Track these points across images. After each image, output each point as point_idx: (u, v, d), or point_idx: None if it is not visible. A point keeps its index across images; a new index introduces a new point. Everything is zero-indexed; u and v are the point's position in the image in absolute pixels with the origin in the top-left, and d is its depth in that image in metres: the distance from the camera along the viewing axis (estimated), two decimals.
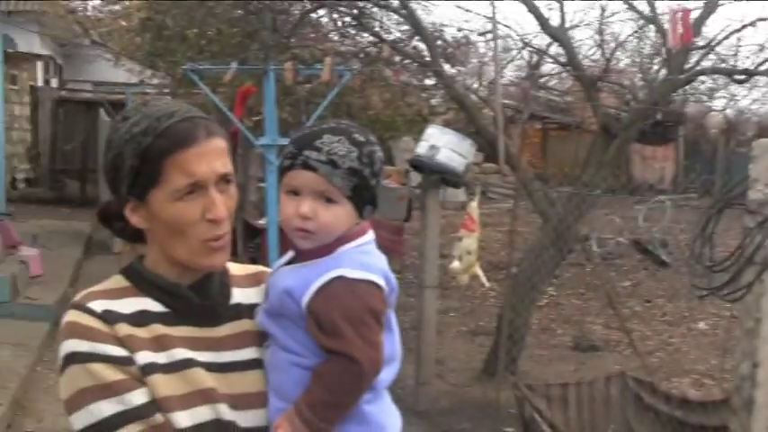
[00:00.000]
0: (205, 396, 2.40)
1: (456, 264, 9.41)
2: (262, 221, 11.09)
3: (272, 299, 2.50)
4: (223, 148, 2.44)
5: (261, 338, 2.56)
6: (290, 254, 2.56)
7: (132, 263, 2.57)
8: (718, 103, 27.42)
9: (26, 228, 16.90)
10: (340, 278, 2.38)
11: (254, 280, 2.71)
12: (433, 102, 16.59)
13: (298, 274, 2.45)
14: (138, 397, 2.33)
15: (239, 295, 2.63)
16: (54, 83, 31.47)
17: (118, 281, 2.53)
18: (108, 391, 2.31)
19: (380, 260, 2.51)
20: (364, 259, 2.44)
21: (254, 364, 2.54)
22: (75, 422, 2.35)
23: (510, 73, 19.49)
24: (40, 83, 28.58)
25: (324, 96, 13.86)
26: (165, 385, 2.36)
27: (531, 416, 8.25)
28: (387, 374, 2.49)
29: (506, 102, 16.30)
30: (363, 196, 2.45)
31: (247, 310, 2.60)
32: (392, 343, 2.52)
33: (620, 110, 12.33)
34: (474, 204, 9.57)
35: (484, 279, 10.02)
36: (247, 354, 2.54)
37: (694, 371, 11.82)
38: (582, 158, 14.55)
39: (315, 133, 2.44)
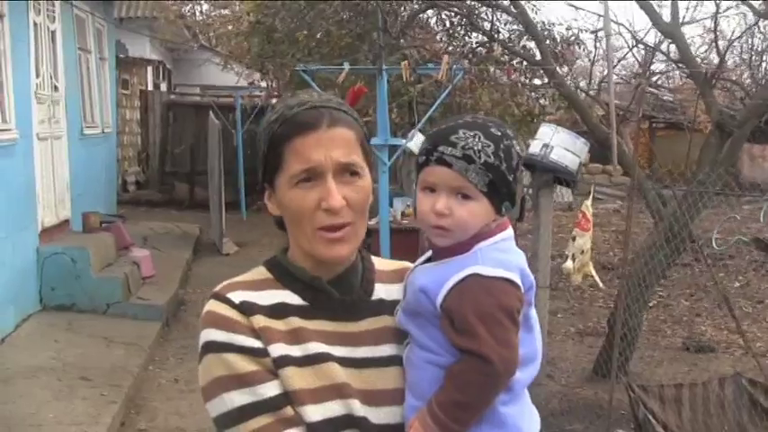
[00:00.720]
0: (338, 391, 2.38)
1: (569, 263, 9.29)
2: (373, 221, 11.07)
3: (408, 297, 2.46)
4: (347, 138, 2.43)
5: (401, 335, 2.52)
6: (428, 252, 2.52)
7: (276, 255, 2.59)
8: None
9: (137, 229, 17.09)
10: (474, 275, 2.34)
11: (398, 276, 2.65)
12: (542, 101, 16.46)
13: (433, 272, 2.42)
14: (269, 389, 2.34)
15: (382, 291, 2.61)
16: (163, 87, 31.91)
17: (260, 272, 2.55)
18: (241, 381, 2.34)
19: (518, 257, 2.45)
20: (501, 256, 2.39)
21: (392, 360, 2.51)
22: (211, 410, 2.39)
23: (619, 72, 19.32)
24: (149, 87, 28.99)
25: (433, 97, 13.95)
26: (298, 378, 2.36)
27: (645, 417, 8.17)
28: (525, 375, 2.44)
29: (616, 101, 16.13)
30: (500, 192, 2.39)
31: (389, 307, 2.57)
32: (531, 342, 2.47)
33: (732, 108, 12.15)
34: (588, 203, 9.45)
35: (597, 279, 9.92)
36: (385, 350, 2.52)
37: None
38: (691, 158, 14.37)
39: (450, 128, 2.40)
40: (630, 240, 9.67)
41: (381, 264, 2.71)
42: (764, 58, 20.13)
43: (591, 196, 9.72)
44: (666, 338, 13.21)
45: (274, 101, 22.81)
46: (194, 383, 10.08)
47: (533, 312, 2.49)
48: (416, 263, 2.56)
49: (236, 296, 2.43)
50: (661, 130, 32.11)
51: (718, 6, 12.90)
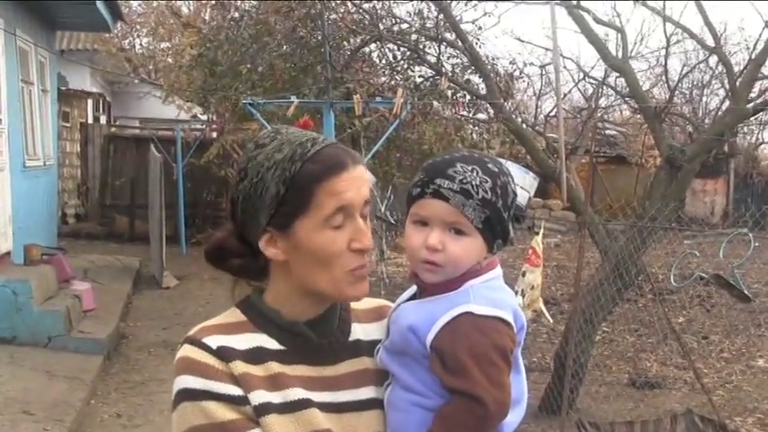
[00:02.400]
0: None
1: (519, 299, 9.26)
2: None
3: (393, 336, 2.38)
4: (366, 175, 2.39)
5: (380, 377, 2.44)
6: (412, 289, 2.45)
7: (250, 297, 2.48)
8: None
9: (77, 262, 16.92)
10: (467, 314, 2.26)
11: (375, 315, 2.60)
12: (485, 135, 16.49)
13: (422, 309, 2.33)
14: None
15: (359, 331, 2.53)
16: (103, 120, 31.73)
17: (234, 314, 2.45)
18: (221, 430, 2.24)
19: (509, 296, 2.39)
20: (493, 295, 2.32)
21: (372, 403, 2.42)
22: None
23: (564, 106, 19.43)
24: (90, 120, 28.76)
25: (376, 131, 13.92)
26: (280, 427, 2.27)
27: None
28: (514, 417, 2.35)
29: (552, 135, 16.20)
30: (495, 229, 2.32)
31: (367, 347, 2.50)
32: (519, 383, 2.39)
33: (677, 143, 12.22)
34: (538, 238, 9.44)
35: (548, 315, 9.91)
36: (365, 393, 2.43)
37: (758, 409, 11.60)
38: (633, 192, 14.45)
39: (447, 161, 2.33)
40: (570, 276, 9.68)
41: (357, 303, 2.59)
42: (705, 92, 20.38)
43: (541, 232, 9.71)
44: (612, 374, 13.21)
45: (215, 134, 22.78)
46: (137, 419, 10.07)
47: (519, 354, 2.40)
48: (399, 300, 2.48)
49: (213, 341, 2.33)
50: (602, 164, 32.35)
51: (668, 40, 12.95)
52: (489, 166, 2.32)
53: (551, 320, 11.34)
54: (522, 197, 9.31)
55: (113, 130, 28.83)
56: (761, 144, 32.56)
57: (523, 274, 9.39)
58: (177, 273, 18.90)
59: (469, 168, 2.29)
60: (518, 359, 2.38)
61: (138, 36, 31.01)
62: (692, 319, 16.79)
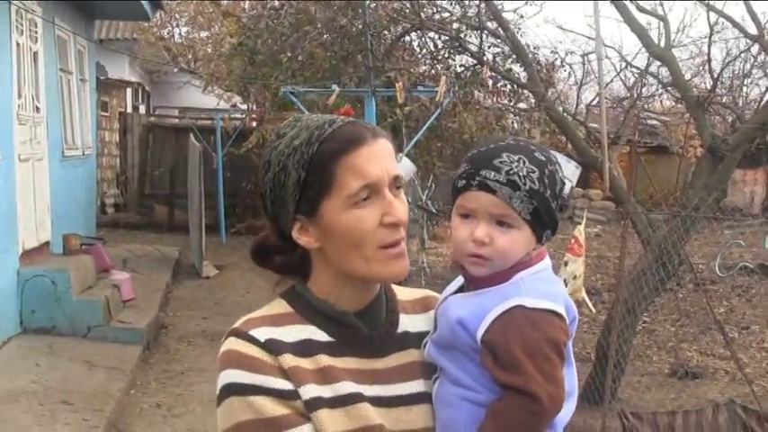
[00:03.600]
0: None
1: None
2: None
3: (442, 329, 2.33)
4: (391, 149, 2.32)
5: (428, 370, 2.39)
6: (459, 280, 2.39)
7: (295, 287, 2.43)
8: None
9: (116, 252, 16.96)
10: (519, 307, 2.20)
11: (421, 305, 2.55)
12: (526, 125, 16.42)
13: (471, 302, 2.28)
14: None
15: (407, 322, 2.47)
16: (142, 109, 31.81)
17: (280, 305, 2.40)
18: (271, 426, 2.19)
19: (561, 287, 2.34)
20: (544, 287, 2.27)
21: (421, 397, 2.37)
22: None
23: (606, 96, 19.36)
24: (129, 109, 28.87)
25: (417, 120, 13.88)
26: (331, 421, 2.21)
27: None
28: (566, 412, 2.29)
29: (593, 125, 16.11)
30: (543, 220, 2.26)
31: (415, 339, 2.44)
32: (571, 377, 2.33)
33: (720, 133, 12.13)
34: (581, 228, 9.38)
35: (590, 304, 9.84)
36: (414, 387, 2.38)
37: None
38: (675, 182, 14.35)
39: (492, 151, 2.26)
40: (611, 266, 9.62)
41: (403, 293, 2.57)
42: (745, 82, 20.22)
43: (584, 221, 9.64)
44: (653, 364, 13.14)
45: (255, 123, 22.76)
46: (177, 409, 10.05)
47: (571, 346, 2.34)
48: (447, 291, 2.42)
49: (261, 333, 2.28)
50: (643, 154, 32.13)
51: (712, 28, 12.83)
52: (536, 154, 2.26)
53: (594, 310, 11.26)
54: (565, 186, 9.20)
55: (152, 119, 28.91)
56: None
57: (565, 264, 9.33)
58: (217, 262, 18.91)
59: (516, 158, 2.23)
60: (569, 351, 2.32)
61: (178, 25, 31.05)
62: (733, 310, 16.69)
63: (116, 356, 11.53)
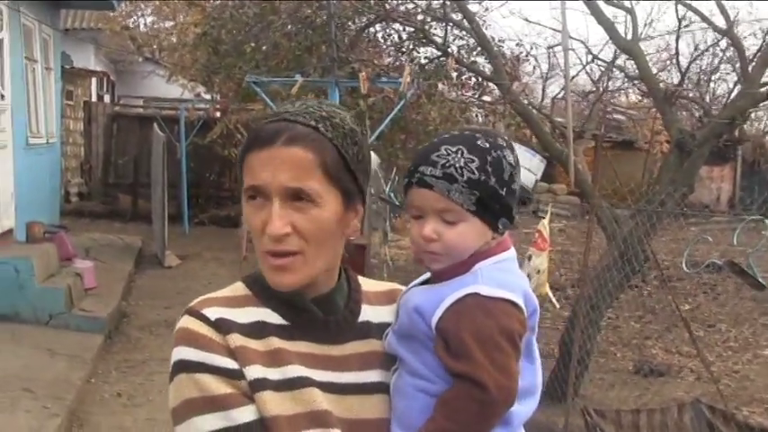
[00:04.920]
0: (317, 419, 2.19)
1: None
2: None
3: (401, 318, 2.28)
4: (301, 159, 2.19)
5: (388, 361, 2.34)
6: (426, 274, 2.35)
7: (256, 270, 2.38)
8: None
9: (79, 240, 16.93)
10: (474, 295, 2.15)
11: (386, 298, 2.49)
12: (491, 118, 16.40)
13: (430, 292, 2.24)
14: (244, 414, 2.16)
15: (369, 313, 2.43)
16: (107, 98, 31.73)
17: (239, 288, 2.38)
18: (213, 404, 2.16)
19: (521, 278, 2.27)
20: (503, 276, 2.21)
21: (378, 387, 2.32)
22: None
23: (572, 89, 19.33)
24: (93, 98, 28.76)
25: (381, 112, 13.81)
26: (275, 404, 2.17)
27: None
28: (525, 408, 2.24)
29: (559, 119, 16.08)
30: (492, 209, 2.20)
31: (376, 330, 2.39)
32: (532, 373, 2.29)
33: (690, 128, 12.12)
34: (545, 222, 9.33)
35: (554, 299, 9.79)
36: (371, 376, 2.33)
37: (765, 400, 11.48)
38: (639, 177, 14.35)
39: (432, 146, 2.24)
40: (575, 261, 9.57)
41: (368, 284, 2.54)
42: (713, 78, 20.24)
43: (548, 215, 9.58)
44: (617, 361, 13.10)
45: (219, 114, 22.70)
46: (137, 398, 10.06)
47: (534, 341, 2.30)
48: (411, 284, 2.39)
49: (212, 312, 2.26)
50: (609, 149, 32.23)
51: (680, 22, 12.79)
52: (478, 143, 2.20)
53: (557, 305, 11.22)
54: (529, 180, 9.17)
55: (117, 108, 28.84)
56: None
57: (529, 258, 9.29)
58: (180, 252, 18.86)
59: (454, 150, 2.19)
60: (532, 347, 2.29)
61: (143, 15, 30.99)
62: (699, 307, 16.70)
63: (78, 345, 11.50)
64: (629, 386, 11.81)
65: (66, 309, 12.39)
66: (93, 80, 29.26)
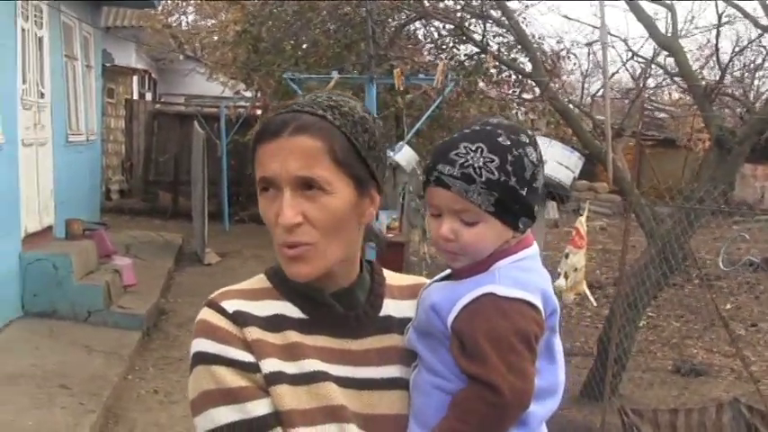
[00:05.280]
0: (333, 414, 2.18)
1: (561, 281, 9.04)
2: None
3: (420, 316, 2.26)
4: (309, 148, 2.18)
5: (409, 356, 2.32)
6: (448, 270, 2.31)
7: (278, 263, 2.36)
8: None
9: (119, 238, 17.03)
10: (489, 295, 2.12)
11: (410, 292, 2.45)
12: (531, 116, 16.33)
13: (448, 289, 2.20)
14: (258, 407, 2.16)
15: (391, 307, 2.40)
16: (148, 96, 31.90)
17: (260, 280, 2.38)
18: (229, 397, 2.17)
19: (541, 278, 2.22)
20: (521, 276, 2.17)
21: (396, 383, 2.30)
22: (197, 424, 2.24)
23: (611, 87, 19.17)
24: (135, 96, 28.93)
25: (420, 109, 13.79)
26: (291, 398, 2.17)
27: None
28: (543, 409, 2.20)
29: (600, 117, 15.98)
30: (511, 209, 2.16)
31: (398, 324, 2.37)
32: (553, 373, 2.24)
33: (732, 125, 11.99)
34: (582, 220, 9.23)
35: (592, 298, 9.71)
36: (390, 371, 2.31)
37: None
38: (682, 175, 14.24)
39: (451, 142, 2.19)
40: (615, 259, 9.48)
41: (394, 278, 2.51)
42: (756, 75, 20.03)
43: (585, 213, 9.49)
44: (656, 360, 13.01)
45: (259, 111, 22.73)
46: (174, 395, 10.04)
47: (557, 340, 2.25)
48: (432, 279, 2.36)
49: (230, 305, 2.26)
50: (650, 147, 31.98)
51: (720, 18, 12.66)
52: (499, 139, 2.15)
53: (595, 303, 11.14)
54: (567, 177, 9.08)
55: (158, 106, 29.00)
56: None
57: (567, 256, 9.19)
58: (219, 250, 18.90)
59: (473, 148, 2.14)
60: (553, 347, 2.24)
61: (185, 13, 31.10)
62: (740, 306, 16.55)
63: (115, 341, 11.54)
64: (669, 385, 11.72)
65: (105, 305, 12.42)
66: (135, 78, 29.44)
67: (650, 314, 14.92)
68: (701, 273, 10.13)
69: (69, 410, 8.92)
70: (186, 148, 23.66)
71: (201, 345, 2.22)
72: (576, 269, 9.06)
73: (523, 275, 2.17)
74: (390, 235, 14.46)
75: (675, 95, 22.36)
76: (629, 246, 11.83)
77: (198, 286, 15.67)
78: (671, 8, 12.03)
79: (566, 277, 9.04)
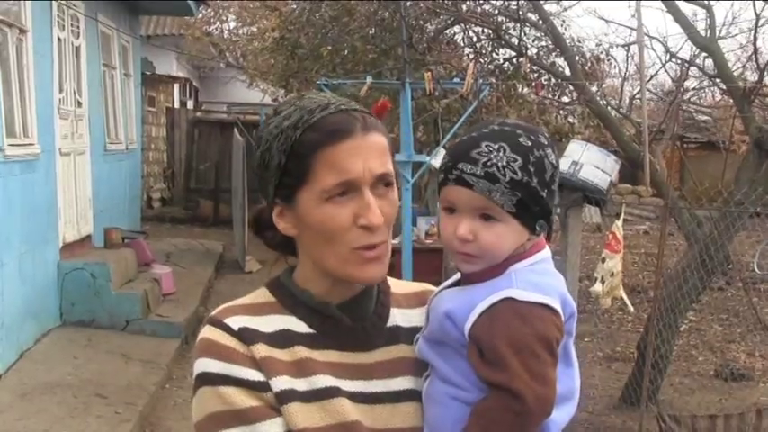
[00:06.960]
0: (347, 430, 2.13)
1: (598, 286, 8.95)
2: (396, 241, 10.72)
3: (432, 324, 2.19)
4: (383, 145, 2.16)
5: (419, 366, 2.26)
6: (455, 275, 2.26)
7: (279, 276, 2.34)
8: None
9: (160, 246, 17.14)
10: (508, 300, 2.06)
11: (417, 300, 2.40)
12: (570, 119, 16.26)
13: (462, 295, 2.15)
14: (271, 427, 2.10)
15: (398, 317, 2.35)
16: (190, 104, 32.03)
17: (262, 294, 2.31)
18: (239, 418, 2.10)
19: (557, 281, 2.17)
20: (538, 279, 2.12)
21: (409, 395, 2.24)
22: None
23: (650, 89, 19.02)
24: (176, 104, 29.08)
25: (459, 114, 13.76)
26: (303, 415, 2.11)
27: None
28: (561, 415, 2.15)
29: (639, 120, 15.90)
30: (532, 210, 2.11)
31: (406, 334, 2.31)
32: (570, 377, 2.20)
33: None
34: (619, 223, 9.13)
35: (628, 302, 9.60)
36: (401, 383, 2.25)
37: None
38: (725, 178, 14.09)
39: (473, 140, 2.12)
40: (659, 263, 9.36)
41: (398, 286, 2.44)
42: None
43: (621, 216, 9.39)
44: (698, 365, 12.87)
45: None
46: None
47: (572, 345, 2.21)
48: (441, 286, 2.30)
49: (235, 322, 2.18)
50: (692, 150, 31.73)
51: (758, 17, 12.50)
52: (521, 140, 2.10)
53: (632, 309, 11.02)
54: (604, 181, 8.97)
55: (198, 114, 29.07)
56: None
57: (603, 261, 9.09)
58: (260, 257, 18.86)
59: (495, 147, 2.08)
60: (569, 351, 2.20)
61: (226, 20, 31.23)
62: None
63: (153, 350, 11.60)
64: (709, 390, 11.60)
65: (143, 314, 12.47)
66: (176, 86, 29.53)
67: (692, 318, 14.79)
68: (741, 275, 9.97)
69: (105, 419, 8.98)
70: (227, 155, 23.76)
71: (206, 365, 2.15)
72: (612, 274, 8.95)
73: (541, 279, 2.13)
74: (429, 241, 14.42)
75: (718, 97, 22.19)
76: (674, 249, 11.74)
77: (238, 294, 15.31)
78: (709, 9, 11.94)
79: (602, 282, 8.96)
